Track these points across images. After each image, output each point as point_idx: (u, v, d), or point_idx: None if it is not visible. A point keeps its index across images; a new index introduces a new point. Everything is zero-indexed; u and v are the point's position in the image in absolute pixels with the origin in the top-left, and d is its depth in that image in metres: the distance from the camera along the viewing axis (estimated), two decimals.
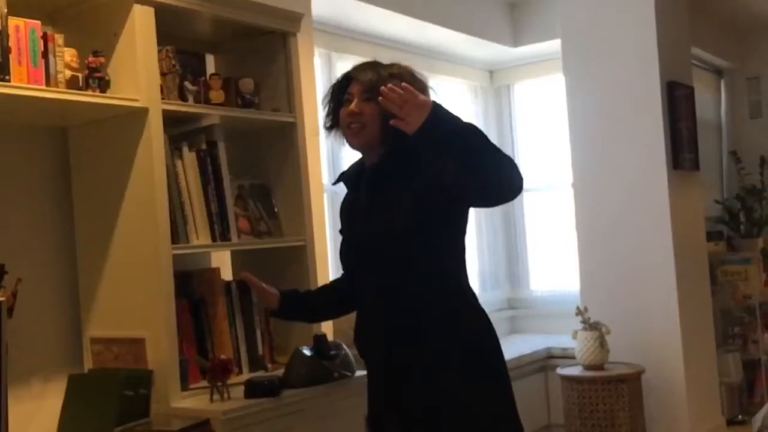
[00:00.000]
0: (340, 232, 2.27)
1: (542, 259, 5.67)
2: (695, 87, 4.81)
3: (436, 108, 1.89)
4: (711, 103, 6.16)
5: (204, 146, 2.59)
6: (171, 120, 2.47)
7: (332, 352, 2.57)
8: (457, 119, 1.90)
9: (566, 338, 4.44)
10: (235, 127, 2.75)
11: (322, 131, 2.28)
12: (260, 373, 2.65)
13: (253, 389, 2.38)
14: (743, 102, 6.29)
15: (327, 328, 2.92)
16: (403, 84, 1.90)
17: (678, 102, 4.50)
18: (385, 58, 2.20)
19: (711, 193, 5.69)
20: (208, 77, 2.69)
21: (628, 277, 4.44)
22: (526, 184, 1.95)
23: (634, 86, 4.44)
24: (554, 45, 4.82)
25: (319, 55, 4.15)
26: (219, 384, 2.35)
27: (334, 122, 2.19)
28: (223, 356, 2.45)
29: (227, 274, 2.83)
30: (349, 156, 2.28)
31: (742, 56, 6.24)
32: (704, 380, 4.56)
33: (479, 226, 5.54)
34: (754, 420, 3.77)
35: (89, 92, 2.28)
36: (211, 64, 2.92)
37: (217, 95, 2.64)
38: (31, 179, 2.52)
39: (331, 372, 2.53)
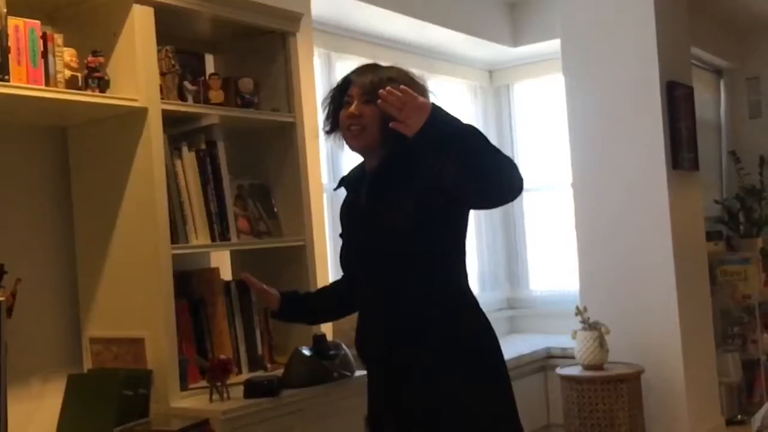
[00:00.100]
0: (340, 236, 2.27)
1: (542, 259, 5.67)
2: (695, 87, 4.81)
3: (436, 110, 1.89)
4: (710, 103, 6.16)
5: (203, 146, 2.59)
6: (170, 120, 2.47)
7: (332, 352, 2.57)
8: (456, 121, 1.90)
9: (566, 338, 4.44)
10: (235, 126, 2.75)
11: (321, 134, 2.28)
12: (260, 373, 2.65)
13: (252, 389, 2.38)
14: (743, 102, 6.29)
15: (326, 328, 2.92)
16: (402, 86, 1.89)
17: (677, 102, 4.50)
18: (385, 58, 2.21)
19: (710, 193, 5.69)
20: (207, 77, 2.69)
21: (627, 277, 4.44)
22: (525, 184, 1.95)
23: (634, 86, 4.44)
24: (554, 45, 4.82)
25: (319, 55, 4.15)
26: (218, 384, 2.35)
27: (333, 126, 2.19)
28: (222, 356, 2.45)
29: (227, 274, 2.83)
30: (349, 156, 2.28)
31: (741, 56, 6.24)
32: (704, 380, 4.56)
33: (479, 226, 5.54)
34: (753, 420, 3.77)
35: (88, 92, 2.28)
36: (210, 64, 2.92)
37: (216, 95, 2.64)
38: (30, 179, 2.52)
39: (330, 372, 2.53)
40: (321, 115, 2.25)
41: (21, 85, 2.10)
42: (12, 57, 2.09)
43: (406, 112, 1.87)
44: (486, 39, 5.07)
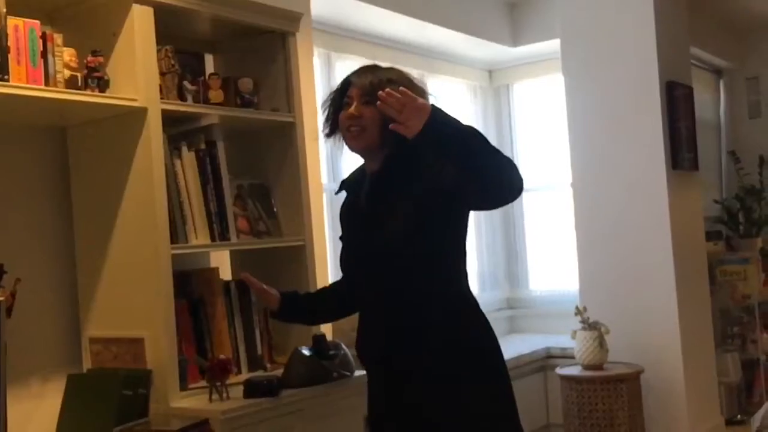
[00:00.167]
0: (341, 238, 2.27)
1: (541, 259, 5.67)
2: (694, 87, 4.81)
3: (435, 111, 1.88)
4: (710, 102, 6.16)
5: (203, 146, 2.58)
6: (170, 120, 2.47)
7: (331, 352, 2.57)
8: (456, 122, 1.90)
9: (565, 338, 4.44)
10: (234, 126, 2.75)
11: (321, 136, 2.28)
12: (259, 373, 2.65)
13: (252, 389, 2.38)
14: (742, 102, 6.30)
15: (326, 328, 2.92)
16: (401, 88, 1.89)
17: (677, 102, 4.51)
18: (385, 58, 2.21)
19: (710, 193, 5.69)
20: (207, 77, 2.69)
21: (627, 277, 4.44)
22: (525, 185, 1.95)
23: (634, 86, 4.44)
24: (553, 45, 4.82)
25: (319, 55, 4.15)
26: (218, 384, 2.35)
27: (333, 128, 2.19)
28: (222, 356, 2.45)
29: (226, 274, 2.83)
30: (349, 157, 2.28)
31: (741, 56, 6.25)
32: (703, 380, 4.56)
33: (478, 226, 5.54)
34: (752, 420, 3.77)
35: (88, 92, 2.28)
36: (210, 63, 2.92)
37: (216, 95, 2.64)
38: (30, 179, 2.52)
39: (330, 372, 2.53)
40: (321, 116, 2.25)
41: (20, 84, 2.10)
42: (11, 57, 2.08)
43: (405, 113, 1.87)
44: (486, 39, 5.06)
